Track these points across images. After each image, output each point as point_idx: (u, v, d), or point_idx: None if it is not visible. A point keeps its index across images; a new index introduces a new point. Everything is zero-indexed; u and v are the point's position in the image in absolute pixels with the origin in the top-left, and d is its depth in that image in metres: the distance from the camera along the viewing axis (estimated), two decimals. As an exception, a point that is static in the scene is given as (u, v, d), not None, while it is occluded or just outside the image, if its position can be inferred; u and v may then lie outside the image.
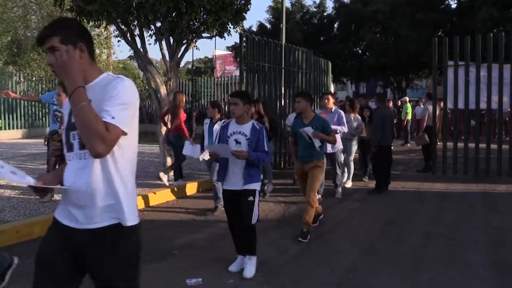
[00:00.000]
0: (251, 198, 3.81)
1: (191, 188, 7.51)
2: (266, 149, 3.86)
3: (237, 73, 20.31)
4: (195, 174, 8.53)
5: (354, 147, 7.95)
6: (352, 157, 7.96)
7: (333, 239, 5.06)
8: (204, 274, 3.88)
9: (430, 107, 9.66)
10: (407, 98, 16.48)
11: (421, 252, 4.59)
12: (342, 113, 7.14)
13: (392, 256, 4.44)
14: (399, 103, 17.61)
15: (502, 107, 9.08)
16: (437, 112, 9.69)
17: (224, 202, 4.08)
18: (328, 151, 6.34)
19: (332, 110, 7.03)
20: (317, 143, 5.03)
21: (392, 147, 8.31)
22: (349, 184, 7.98)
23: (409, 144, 14.72)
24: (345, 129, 6.97)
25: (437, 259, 4.33)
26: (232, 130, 3.95)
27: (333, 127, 6.09)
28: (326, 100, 7.07)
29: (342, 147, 7.28)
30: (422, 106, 12.40)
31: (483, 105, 9.13)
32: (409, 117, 15.31)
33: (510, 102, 8.99)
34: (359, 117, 7.99)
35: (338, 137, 6.79)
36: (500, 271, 4.04)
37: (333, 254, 4.51)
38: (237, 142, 3.89)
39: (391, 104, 13.60)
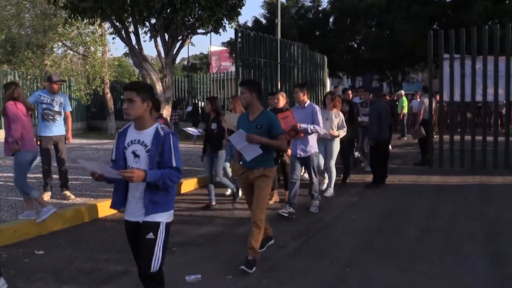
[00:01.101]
0: (150, 235, 2.71)
1: (189, 184, 7.52)
2: (174, 164, 2.68)
3: (233, 69, 20.26)
4: (193, 170, 8.53)
5: (336, 149, 6.85)
6: (333, 161, 6.87)
7: (331, 234, 5.08)
8: (203, 270, 3.89)
9: (426, 101, 9.69)
10: (402, 92, 16.51)
11: (418, 245, 4.61)
12: (318, 108, 5.93)
13: (389, 249, 4.46)
14: (395, 97, 17.66)
15: (497, 100, 9.11)
16: (433, 105, 9.73)
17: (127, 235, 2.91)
18: (299, 155, 5.78)
19: (306, 105, 5.91)
20: (251, 151, 3.96)
21: (390, 147, 8.21)
22: (329, 193, 6.86)
23: (405, 138, 14.76)
24: (319, 129, 5.77)
25: (434, 252, 4.36)
26: (130, 138, 2.79)
27: (303, 126, 5.53)
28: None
29: (317, 150, 6.00)
30: (418, 99, 12.43)
31: (478, 98, 9.17)
32: (405, 110, 15.35)
33: (505, 94, 9.02)
34: (342, 114, 6.92)
35: (313, 138, 5.85)
36: (497, 262, 4.08)
37: (331, 248, 4.53)
38: (135, 155, 2.74)
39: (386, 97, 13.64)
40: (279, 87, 9.93)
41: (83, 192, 6.62)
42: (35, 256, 4.34)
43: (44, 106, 6.16)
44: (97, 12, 7.41)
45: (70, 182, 6.43)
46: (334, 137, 6.70)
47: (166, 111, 8.03)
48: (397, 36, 20.65)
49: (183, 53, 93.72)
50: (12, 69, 18.16)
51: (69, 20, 8.27)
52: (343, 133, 6.78)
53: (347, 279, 3.76)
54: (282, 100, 6.33)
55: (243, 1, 8.27)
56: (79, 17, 7.78)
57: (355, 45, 26.24)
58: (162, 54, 8.35)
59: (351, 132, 7.44)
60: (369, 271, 3.91)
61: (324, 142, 6.70)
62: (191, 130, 6.69)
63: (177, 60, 9.46)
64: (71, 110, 6.55)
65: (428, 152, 9.53)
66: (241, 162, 4.28)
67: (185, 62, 35.73)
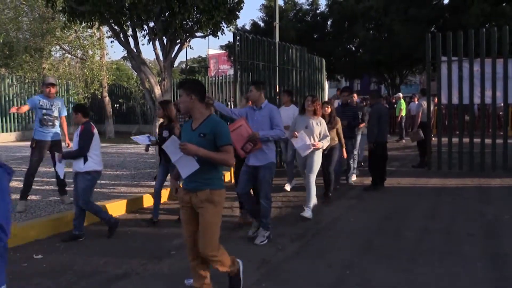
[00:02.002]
0: None
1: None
2: None
3: (231, 72, 20.28)
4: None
5: (318, 161, 5.82)
6: (313, 176, 5.76)
7: (330, 236, 5.07)
8: (202, 273, 3.87)
9: (424, 103, 9.71)
10: (400, 94, 16.54)
11: (417, 246, 4.61)
12: (276, 109, 5.04)
13: (388, 251, 4.46)
14: (393, 99, 17.68)
15: (495, 102, 9.13)
16: (431, 108, 9.76)
17: None
18: (251, 163, 4.85)
19: (262, 106, 4.99)
20: (186, 166, 3.14)
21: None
22: (308, 214, 5.61)
23: (403, 140, 14.77)
24: (281, 133, 4.86)
25: (433, 253, 4.36)
26: None
27: (262, 133, 4.72)
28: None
29: (274, 160, 4.93)
30: (416, 102, 12.45)
31: (476, 100, 9.19)
32: (403, 113, 15.37)
33: (503, 96, 9.04)
34: (324, 121, 5.97)
35: (270, 147, 4.87)
36: (496, 263, 4.08)
37: (330, 251, 4.53)
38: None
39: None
40: (277, 90, 9.93)
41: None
42: (33, 261, 4.33)
43: (44, 111, 6.04)
44: (96, 15, 7.40)
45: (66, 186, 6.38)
46: (316, 149, 5.76)
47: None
48: (395, 38, 20.75)
49: (181, 57, 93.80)
50: (10, 73, 18.14)
51: (68, 24, 8.27)
52: (326, 143, 5.86)
53: (347, 281, 3.75)
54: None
55: (241, 5, 8.28)
56: (77, 21, 7.78)
57: (353, 47, 26.34)
58: (161, 58, 8.35)
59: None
60: (368, 272, 3.91)
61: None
62: (140, 138, 6.12)
63: (176, 64, 9.46)
64: (66, 115, 6.44)
65: (427, 155, 9.53)
66: (180, 182, 3.39)
67: (184, 66, 35.75)
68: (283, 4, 26.11)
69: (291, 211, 6.18)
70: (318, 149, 5.78)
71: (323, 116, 6.29)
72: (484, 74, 8.98)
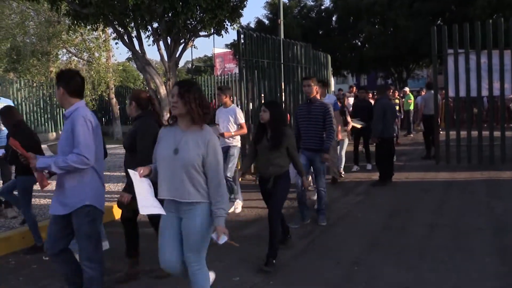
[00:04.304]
0: None
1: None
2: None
3: (237, 70, 20.27)
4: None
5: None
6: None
7: (338, 233, 5.06)
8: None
9: (427, 96, 10.11)
10: (407, 89, 16.42)
11: (426, 242, 4.58)
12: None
13: (397, 247, 4.43)
14: (401, 94, 17.55)
15: (503, 94, 9.03)
16: (439, 101, 9.80)
17: None
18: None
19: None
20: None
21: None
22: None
23: (411, 135, 14.68)
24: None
25: (442, 248, 4.32)
26: None
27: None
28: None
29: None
30: (423, 95, 12.46)
31: (484, 92, 9.09)
32: (411, 107, 15.26)
33: (511, 88, 8.92)
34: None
35: None
36: (505, 258, 4.03)
37: (338, 247, 4.51)
38: None
39: (396, 94, 13.76)
40: (282, 87, 9.91)
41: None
42: (42, 262, 4.36)
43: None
44: (99, 17, 7.45)
45: None
46: None
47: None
48: (401, 33, 20.60)
49: (187, 56, 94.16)
50: (18, 77, 18.32)
51: (72, 27, 8.33)
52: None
53: (355, 278, 3.74)
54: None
55: (244, 3, 8.27)
56: (82, 24, 7.83)
57: (359, 43, 26.21)
58: (165, 58, 8.37)
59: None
60: (376, 269, 3.89)
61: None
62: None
63: (181, 63, 9.48)
64: None
65: (432, 147, 9.71)
66: None
67: (189, 65, 35.84)
68: (287, 1, 26.04)
69: (298, 208, 6.15)
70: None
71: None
72: (492, 66, 8.87)
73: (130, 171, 2.78)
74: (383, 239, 4.73)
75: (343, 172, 8.20)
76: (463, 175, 8.06)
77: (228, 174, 5.97)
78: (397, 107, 12.17)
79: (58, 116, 18.67)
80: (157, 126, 3.61)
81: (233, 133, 6.02)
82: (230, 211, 5.70)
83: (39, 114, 18.27)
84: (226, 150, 6.06)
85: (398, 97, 13.94)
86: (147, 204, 2.66)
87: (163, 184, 2.72)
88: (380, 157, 7.63)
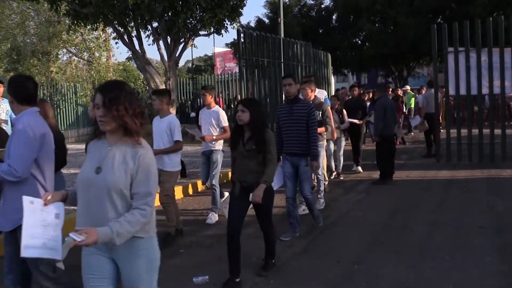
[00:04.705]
0: None
1: (196, 186, 7.53)
2: None
3: (238, 69, 20.26)
4: (199, 173, 8.52)
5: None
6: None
7: (338, 231, 5.05)
8: (210, 271, 3.89)
9: (428, 94, 10.05)
10: (408, 87, 16.40)
11: (426, 240, 4.57)
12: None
13: (397, 246, 4.43)
14: (401, 92, 17.52)
15: (504, 92, 9.01)
16: (439, 99, 9.79)
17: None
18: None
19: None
20: None
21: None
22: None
23: (412, 133, 14.67)
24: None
25: (442, 247, 4.32)
26: None
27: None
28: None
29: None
30: (423, 94, 12.45)
31: (485, 90, 9.08)
32: (412, 105, 15.26)
33: (512, 86, 8.91)
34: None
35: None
36: (505, 257, 4.03)
37: (339, 246, 4.51)
38: None
39: (399, 92, 13.77)
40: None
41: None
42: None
43: None
44: (99, 17, 7.45)
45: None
46: None
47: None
48: (401, 31, 20.56)
49: (187, 56, 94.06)
50: (18, 77, 18.33)
51: (73, 26, 8.33)
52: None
53: (355, 277, 3.74)
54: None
55: (244, 2, 8.26)
56: (82, 23, 7.83)
57: (359, 41, 26.15)
58: (165, 57, 8.38)
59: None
60: (377, 268, 3.89)
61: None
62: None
63: (182, 63, 9.48)
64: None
65: (433, 145, 9.68)
66: None
67: (190, 65, 35.83)
68: (287, 0, 26.01)
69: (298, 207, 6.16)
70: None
71: None
72: (492, 64, 8.86)
73: (26, 199, 2.15)
74: (383, 238, 4.73)
75: (341, 176, 8.02)
76: (464, 173, 8.06)
77: (213, 182, 5.68)
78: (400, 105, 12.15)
79: (59, 116, 18.67)
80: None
81: (214, 137, 5.56)
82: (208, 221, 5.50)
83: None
84: (208, 154, 5.76)
85: (401, 94, 13.91)
86: (34, 243, 2.09)
87: (81, 213, 2.13)
88: (381, 156, 7.62)
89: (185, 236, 5.01)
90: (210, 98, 5.64)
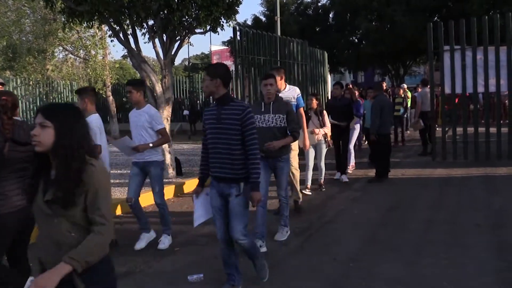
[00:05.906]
0: None
1: (191, 185, 7.50)
2: None
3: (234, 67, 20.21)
4: (195, 171, 8.51)
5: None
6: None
7: (334, 229, 5.05)
8: (205, 270, 3.89)
9: (424, 93, 10.06)
10: (405, 86, 16.39)
11: (423, 238, 4.58)
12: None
13: (393, 243, 4.44)
14: (402, 92, 17.49)
15: (499, 90, 9.04)
16: (435, 98, 9.86)
17: None
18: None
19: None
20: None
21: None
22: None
23: (408, 132, 14.69)
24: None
25: (439, 244, 4.33)
26: None
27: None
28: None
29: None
30: (418, 92, 12.46)
31: (480, 89, 9.10)
32: (408, 104, 15.24)
33: (507, 84, 8.94)
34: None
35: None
36: (502, 253, 4.04)
37: (335, 244, 4.51)
38: None
39: (401, 91, 13.67)
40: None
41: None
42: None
43: None
44: (94, 15, 7.39)
45: None
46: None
47: (167, 112, 8.02)
48: (398, 29, 20.55)
49: (184, 54, 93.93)
50: (14, 75, 18.25)
51: (67, 24, 8.27)
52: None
53: (352, 275, 3.74)
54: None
55: (240, 0, 8.22)
56: (77, 21, 7.77)
57: (356, 40, 26.13)
58: (161, 55, 8.33)
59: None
60: (373, 265, 3.89)
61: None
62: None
63: (179, 61, 9.44)
64: None
65: (429, 143, 9.74)
66: None
67: (187, 63, 35.74)
68: (284, -2, 25.98)
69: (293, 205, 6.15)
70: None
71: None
72: (488, 63, 8.87)
73: None
74: (380, 236, 4.73)
75: (323, 188, 6.97)
76: (460, 171, 8.08)
77: (158, 201, 4.70)
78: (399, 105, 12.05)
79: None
80: None
81: (151, 145, 4.43)
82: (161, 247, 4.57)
83: (35, 112, 18.17)
84: (142, 167, 4.57)
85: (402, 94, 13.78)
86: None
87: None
88: (377, 154, 7.63)
89: (180, 234, 5.00)
90: (138, 96, 4.48)
